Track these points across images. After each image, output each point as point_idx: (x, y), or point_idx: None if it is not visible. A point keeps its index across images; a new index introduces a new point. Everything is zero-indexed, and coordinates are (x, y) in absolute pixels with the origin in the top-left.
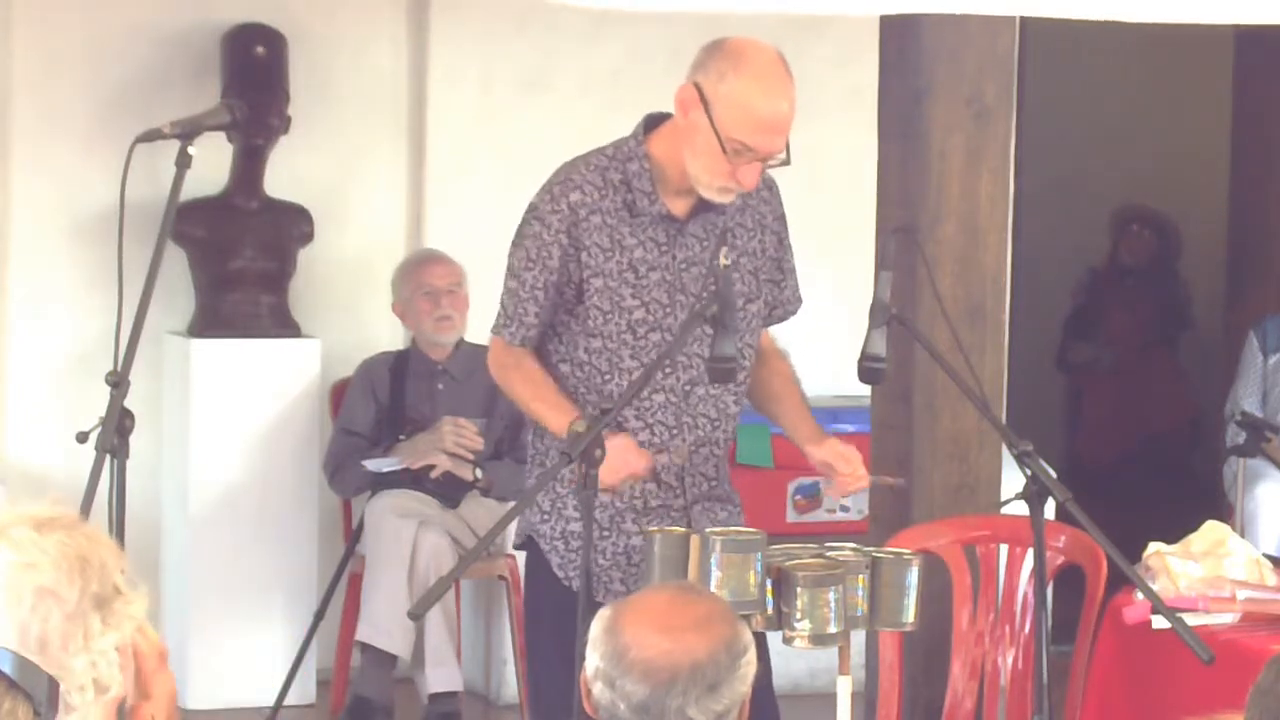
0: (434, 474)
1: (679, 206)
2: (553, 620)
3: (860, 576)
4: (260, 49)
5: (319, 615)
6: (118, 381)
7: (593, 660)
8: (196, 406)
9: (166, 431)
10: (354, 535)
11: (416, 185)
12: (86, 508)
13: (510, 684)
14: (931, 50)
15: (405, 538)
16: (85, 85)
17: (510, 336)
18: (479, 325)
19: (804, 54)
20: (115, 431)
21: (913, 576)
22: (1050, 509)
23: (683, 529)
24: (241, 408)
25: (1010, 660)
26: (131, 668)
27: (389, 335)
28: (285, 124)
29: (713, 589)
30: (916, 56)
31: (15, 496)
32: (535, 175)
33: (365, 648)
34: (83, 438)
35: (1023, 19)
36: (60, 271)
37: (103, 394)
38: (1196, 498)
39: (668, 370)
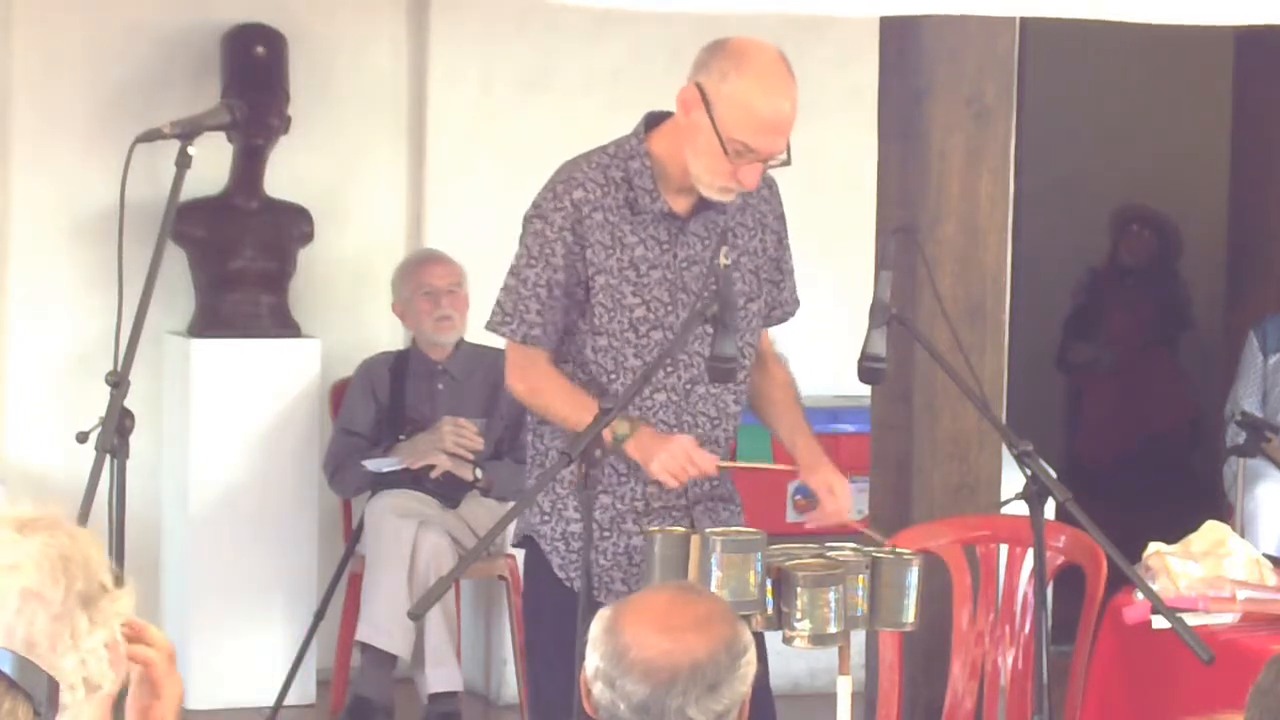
0: (434, 474)
1: (680, 204)
2: (553, 620)
3: (860, 576)
4: (260, 49)
5: (319, 615)
6: (118, 381)
7: (593, 660)
8: (196, 406)
9: (166, 431)
10: (354, 535)
11: (416, 185)
12: (86, 508)
13: (510, 684)
14: (931, 50)
15: (405, 538)
16: (85, 85)
17: (510, 333)
18: (479, 325)
19: (804, 54)
20: (115, 431)
21: (913, 576)
22: (1050, 509)
23: (683, 529)
24: (241, 408)
25: (1010, 660)
26: (123, 663)
27: (389, 335)
28: (285, 124)
29: (713, 589)
30: (916, 57)
31: (15, 496)
32: (535, 175)
33: (365, 648)
34: (83, 438)
35: (1023, 19)
36: (60, 271)
37: (103, 394)
38: (1196, 498)
39: (669, 369)
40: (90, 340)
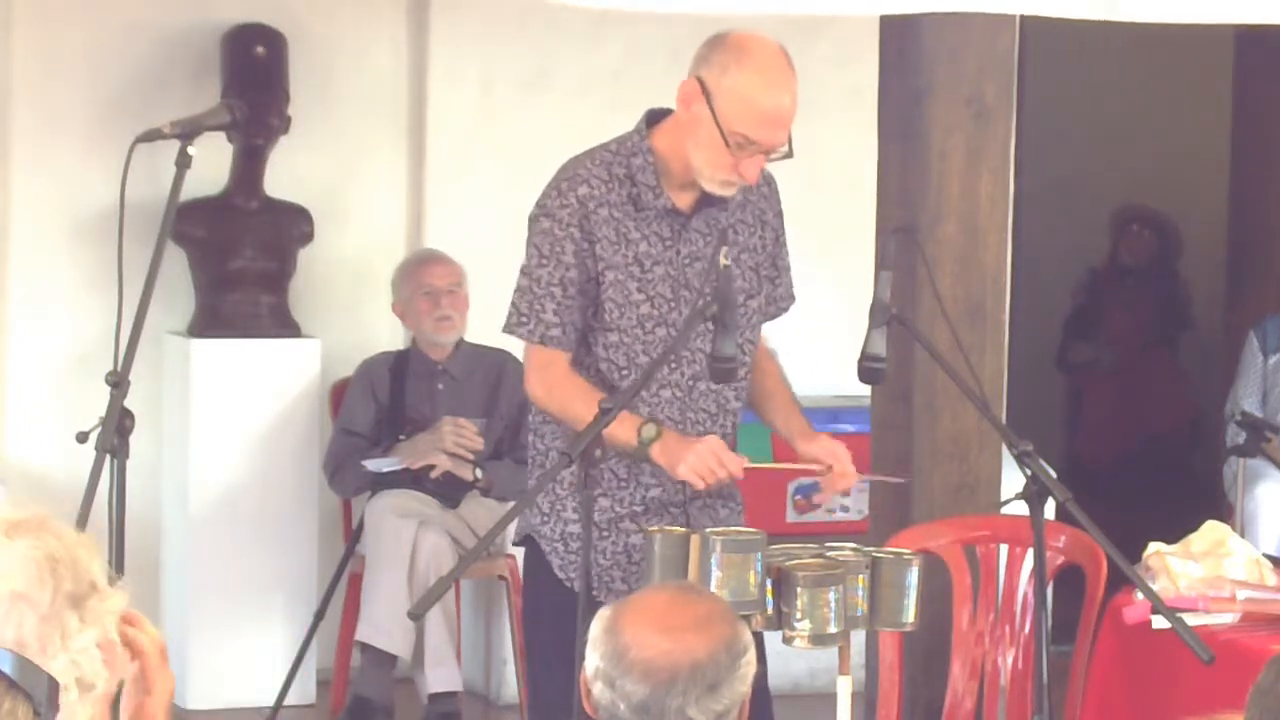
0: (434, 474)
1: (683, 200)
2: (553, 620)
3: (860, 576)
4: (260, 49)
5: (319, 615)
6: (118, 381)
7: (593, 660)
8: (196, 406)
9: (166, 431)
10: (354, 535)
11: (416, 185)
12: (86, 508)
13: (510, 684)
14: (931, 50)
15: (405, 538)
16: (85, 85)
17: (529, 335)
18: (479, 325)
19: (804, 54)
20: (115, 431)
21: (913, 576)
22: (1050, 509)
23: (683, 529)
24: (241, 408)
25: (1010, 660)
26: (118, 662)
27: (389, 335)
28: (285, 124)
29: (713, 589)
30: (916, 56)
31: (15, 496)
32: (535, 175)
33: (365, 648)
34: (83, 438)
35: (1023, 19)
36: (60, 271)
37: (103, 394)
38: (1196, 498)
39: (673, 366)
40: (90, 340)
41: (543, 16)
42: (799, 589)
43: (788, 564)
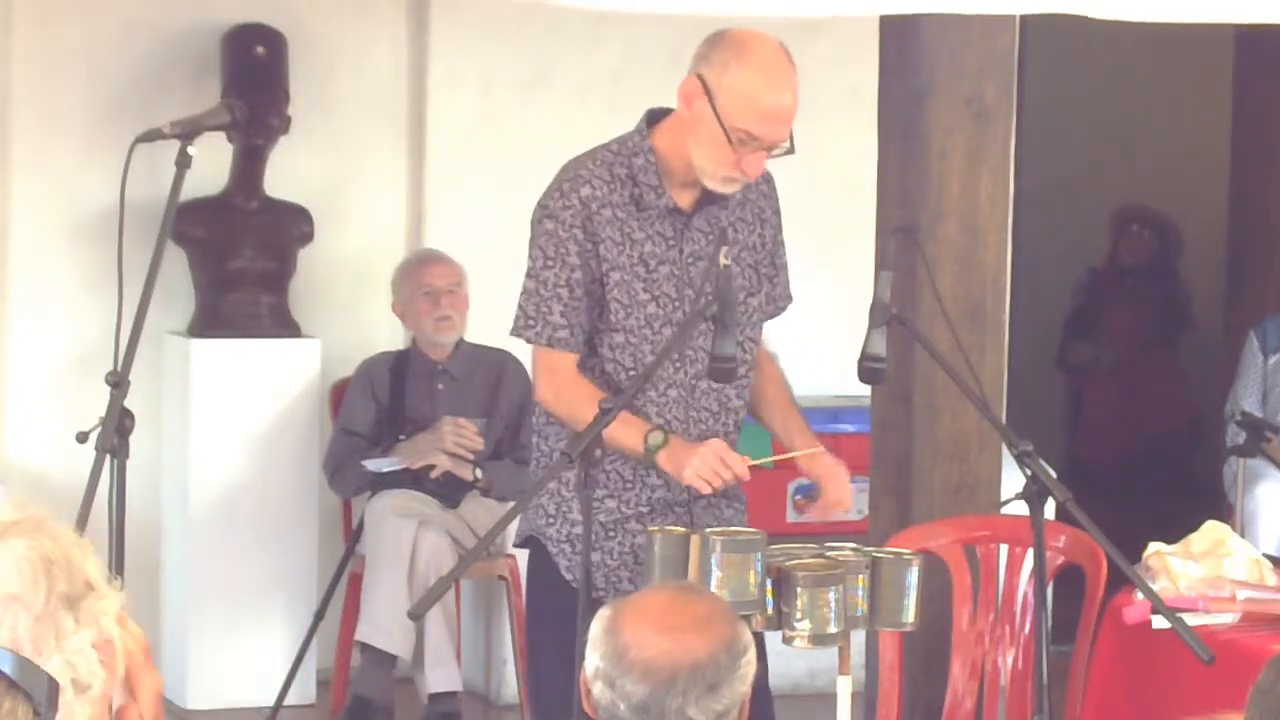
0: (434, 474)
1: (684, 200)
2: (555, 620)
3: (860, 576)
4: (260, 49)
5: (319, 615)
6: (118, 381)
7: (593, 660)
8: (196, 406)
9: (166, 431)
10: (354, 535)
11: (416, 185)
12: (86, 508)
13: (510, 684)
14: (931, 50)
15: (405, 538)
16: (85, 85)
17: (536, 337)
18: (479, 325)
19: (804, 54)
20: (115, 431)
21: (913, 576)
22: (1050, 509)
23: (683, 529)
24: (241, 408)
25: (1010, 660)
26: (115, 663)
27: (389, 335)
28: (285, 124)
29: (713, 589)
30: (916, 57)
31: (15, 497)
32: (535, 175)
33: (365, 648)
34: (83, 438)
35: (1023, 19)
36: (60, 271)
37: (103, 394)
38: (1196, 498)
39: (677, 365)
40: (90, 340)
41: (543, 16)
42: (799, 589)
43: (788, 564)
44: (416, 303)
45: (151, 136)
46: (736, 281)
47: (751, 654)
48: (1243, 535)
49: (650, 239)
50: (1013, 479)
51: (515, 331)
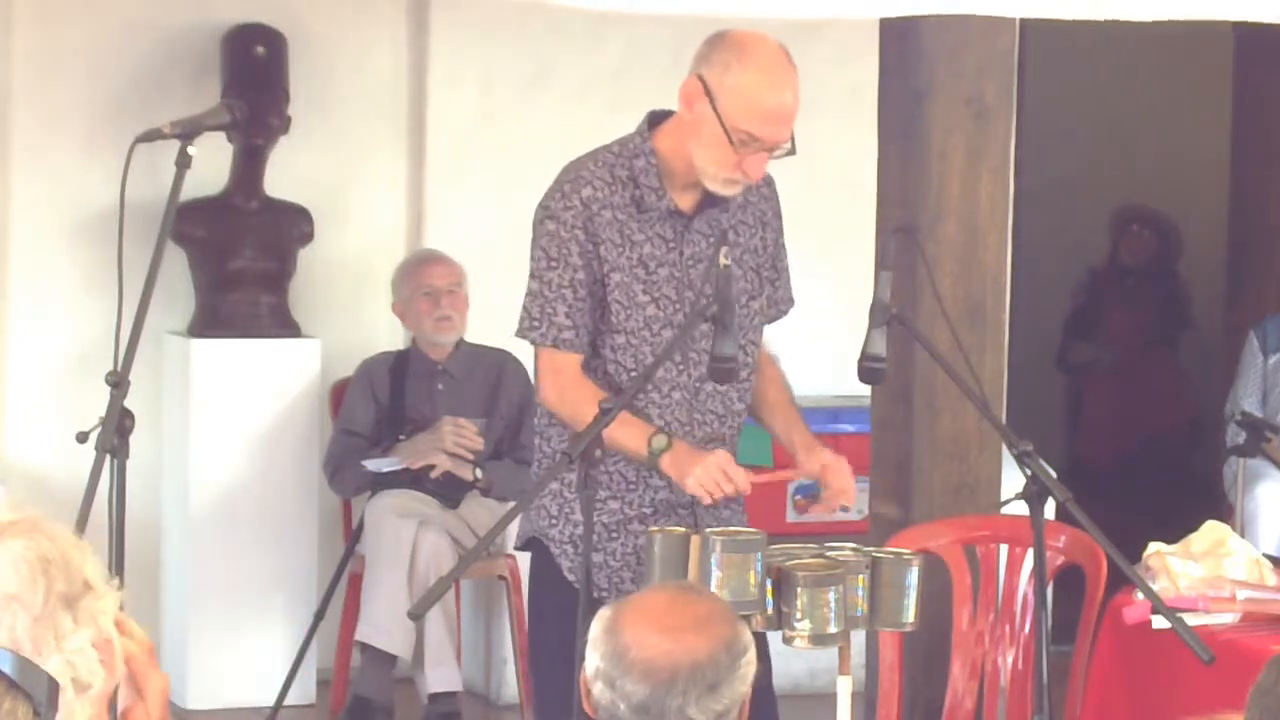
0: (434, 474)
1: (685, 202)
2: (558, 621)
3: (860, 576)
4: (260, 49)
5: (319, 615)
6: (118, 381)
7: (593, 660)
8: (196, 406)
9: (166, 431)
10: (354, 535)
11: (416, 185)
12: (86, 508)
13: (510, 684)
14: (931, 51)
15: (405, 538)
16: (85, 85)
17: (541, 338)
18: (479, 325)
19: (803, 54)
20: (115, 431)
21: (913, 576)
22: (1050, 509)
23: (683, 529)
24: (241, 408)
25: (1010, 660)
26: (115, 662)
27: (389, 335)
28: (285, 124)
29: (713, 589)
30: (916, 57)
31: (14, 497)
32: (535, 175)
33: (365, 648)
34: (83, 438)
35: (1023, 19)
36: (60, 271)
37: (103, 394)
38: (1196, 498)
39: (680, 367)
40: (90, 340)
41: (543, 16)
42: (799, 589)
43: (788, 564)
44: (416, 303)
45: (151, 136)
46: (738, 284)
47: (751, 654)
48: (1243, 535)
49: (650, 241)
50: (1013, 479)
51: (520, 333)
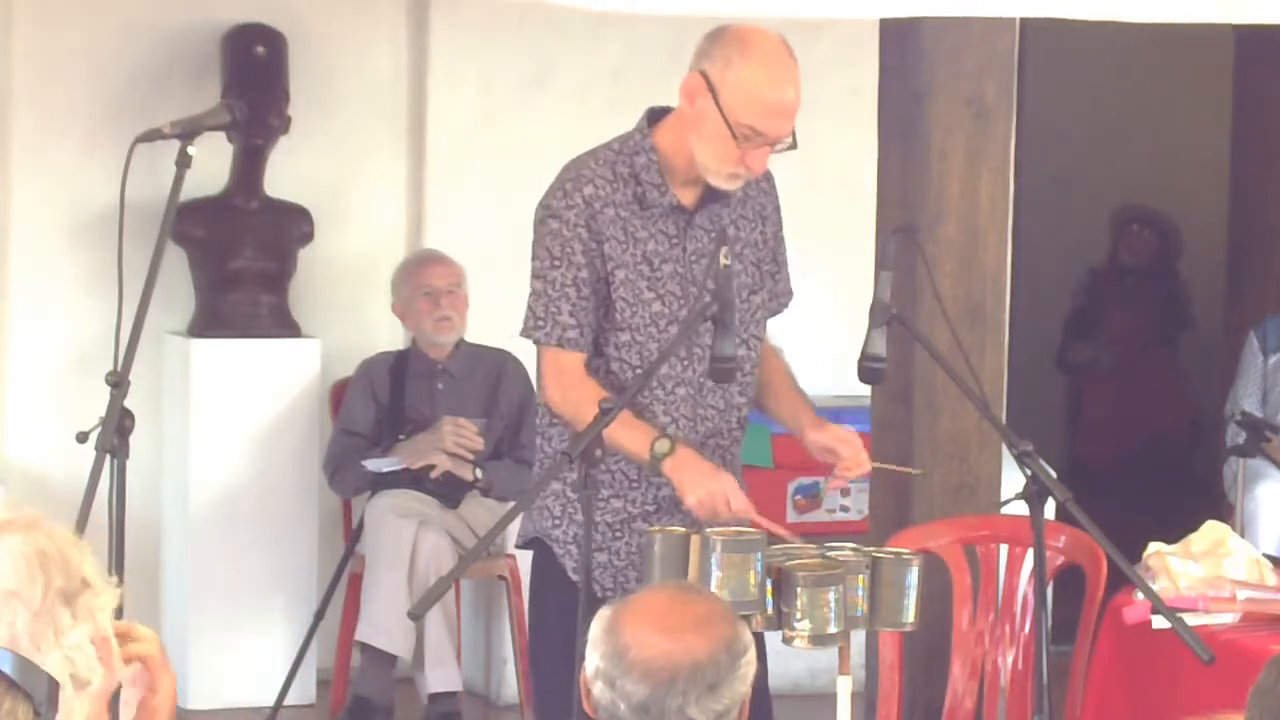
0: (434, 474)
1: (687, 197)
2: (562, 621)
3: (860, 576)
4: (260, 49)
5: (319, 615)
6: (118, 381)
7: (593, 660)
8: (196, 406)
9: (166, 431)
10: (354, 535)
11: (416, 185)
12: (86, 508)
13: (510, 684)
14: (931, 51)
15: (405, 538)
16: (85, 85)
17: (545, 337)
18: (479, 325)
19: (804, 54)
20: (115, 431)
21: (913, 576)
22: (1050, 509)
23: (683, 529)
24: (241, 408)
25: (1010, 660)
26: (113, 660)
27: (389, 335)
28: (285, 124)
29: (713, 589)
30: (917, 58)
31: (13, 497)
32: (535, 175)
33: (365, 648)
34: (83, 438)
35: (1023, 19)
36: (60, 271)
37: (103, 394)
38: (1196, 498)
39: (685, 363)
40: (90, 340)
41: (543, 16)
42: (799, 589)
43: (788, 564)
44: (416, 303)
45: (151, 136)
46: (740, 279)
47: (751, 654)
48: (1243, 535)
49: (653, 237)
50: (1013, 479)
51: (524, 333)
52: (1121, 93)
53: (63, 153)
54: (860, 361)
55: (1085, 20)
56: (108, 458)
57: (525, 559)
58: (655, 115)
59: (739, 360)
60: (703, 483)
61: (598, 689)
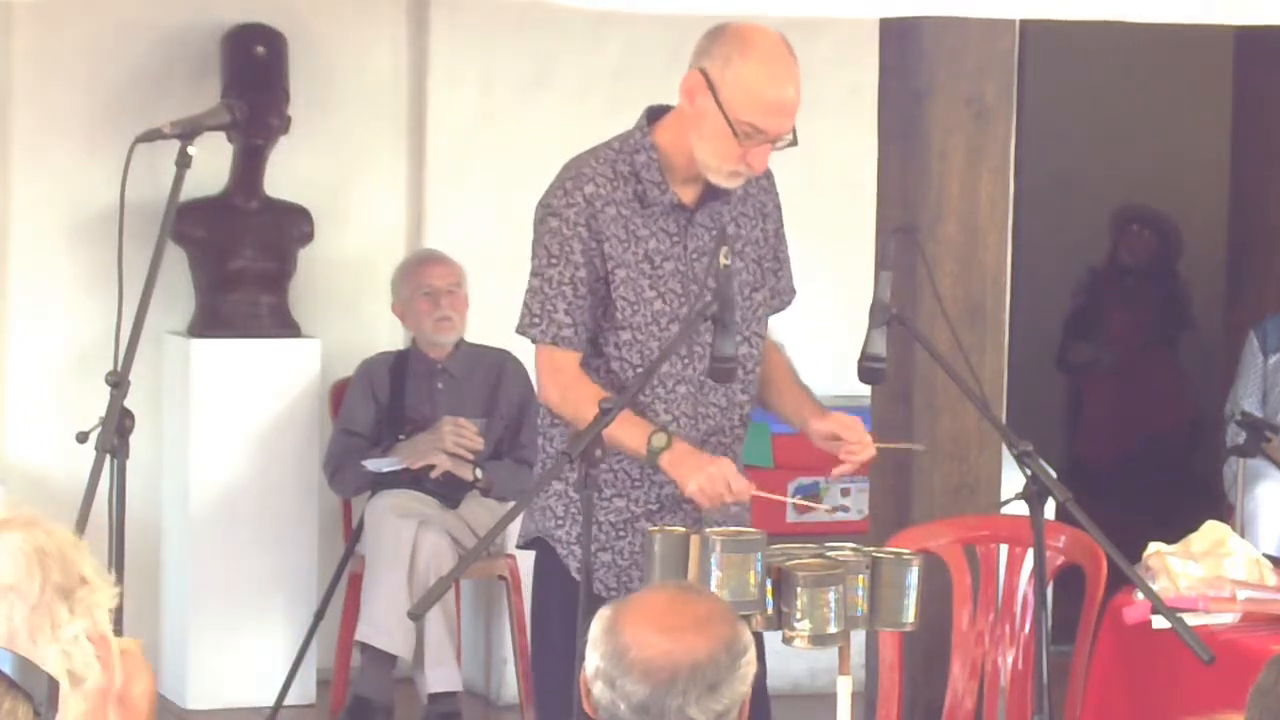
0: (434, 474)
1: (687, 195)
2: (563, 620)
3: (860, 576)
4: (260, 49)
5: (319, 615)
6: (118, 381)
7: (593, 660)
8: (196, 406)
9: (166, 431)
10: (354, 535)
11: (416, 185)
12: (86, 508)
13: (510, 684)
14: (931, 51)
15: (405, 538)
16: (85, 85)
17: (541, 335)
18: (479, 325)
19: (804, 54)
20: (115, 431)
21: (913, 576)
22: (1050, 509)
23: (683, 529)
24: (241, 408)
25: (1010, 660)
26: (111, 659)
27: (389, 335)
28: (285, 124)
29: (713, 589)
30: (917, 58)
31: (14, 497)
32: (535, 175)
33: (365, 648)
34: (83, 438)
35: (1023, 19)
36: (60, 271)
37: (103, 394)
38: (1196, 498)
39: (686, 361)
40: (90, 340)
41: (543, 16)
42: (799, 589)
43: (788, 564)
44: (416, 303)
45: (151, 136)
46: (741, 277)
47: (751, 654)
48: (1243, 535)
49: (655, 236)
50: (1013, 479)
51: (520, 330)
52: (1121, 93)
53: (63, 153)
54: (860, 361)
55: (1085, 20)
56: (108, 458)
57: (525, 559)
58: (655, 114)
59: (741, 359)
60: (701, 468)
61: (598, 689)
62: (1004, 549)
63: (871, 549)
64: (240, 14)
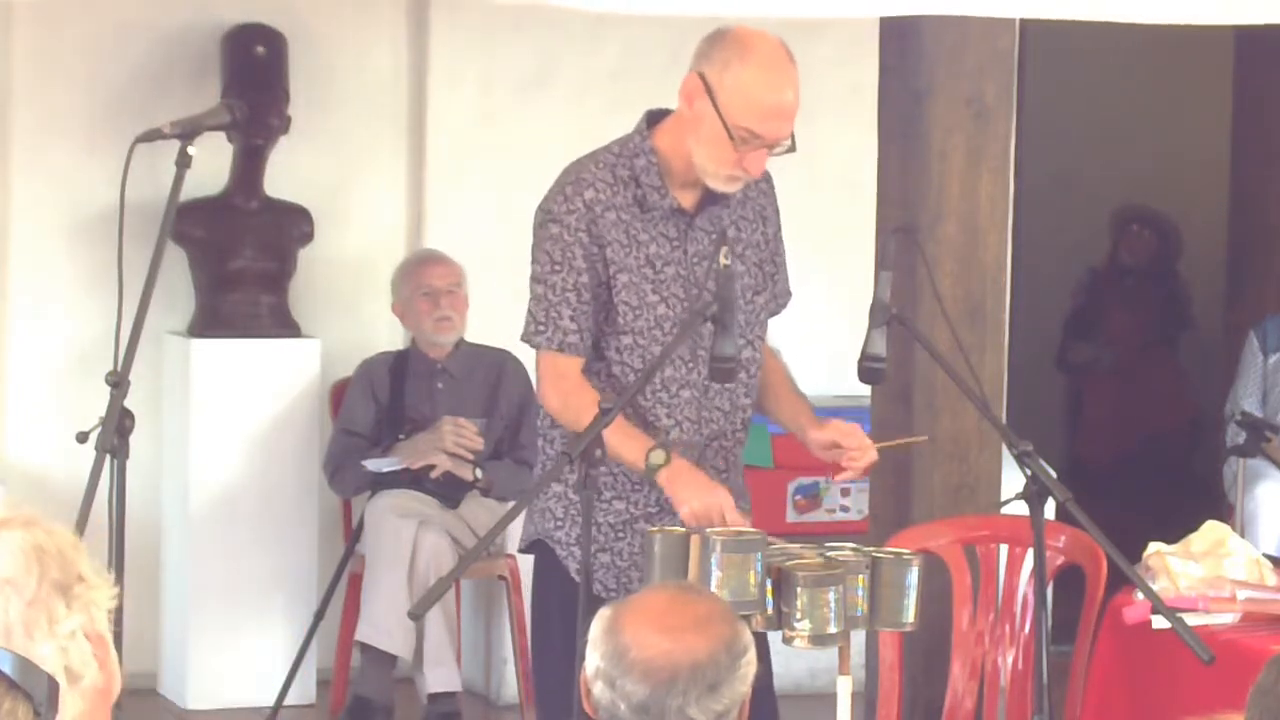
0: (434, 474)
1: (686, 199)
2: (563, 621)
3: (860, 576)
4: (260, 49)
5: (319, 615)
6: (118, 381)
7: (593, 660)
8: (196, 406)
9: (166, 431)
10: (354, 535)
11: (416, 185)
12: (86, 508)
13: (510, 684)
14: (931, 51)
15: (405, 538)
16: (85, 85)
17: (547, 342)
18: (479, 325)
19: (804, 54)
20: (115, 431)
21: (913, 576)
22: (1050, 509)
23: (683, 529)
24: (241, 408)
25: (1010, 660)
26: (109, 659)
27: (389, 335)
28: (285, 124)
29: (713, 589)
30: (917, 58)
31: (14, 497)
32: (535, 176)
33: (365, 648)
34: (83, 438)
35: (1023, 18)
36: (60, 271)
37: (103, 394)
38: (1196, 498)
39: (690, 365)
40: (90, 340)
41: (543, 17)
42: (799, 589)
43: (788, 564)
44: (416, 303)
45: (151, 136)
46: (742, 280)
47: (751, 654)
48: (1243, 535)
49: (655, 240)
50: (1013, 479)
51: (525, 337)
52: (1121, 93)
53: (63, 153)
54: (860, 361)
55: (1085, 20)
56: (108, 458)
57: (526, 560)
58: (654, 117)
59: (743, 361)
60: (698, 496)
61: (598, 689)
62: (1004, 549)
63: (871, 549)
64: (240, 14)
